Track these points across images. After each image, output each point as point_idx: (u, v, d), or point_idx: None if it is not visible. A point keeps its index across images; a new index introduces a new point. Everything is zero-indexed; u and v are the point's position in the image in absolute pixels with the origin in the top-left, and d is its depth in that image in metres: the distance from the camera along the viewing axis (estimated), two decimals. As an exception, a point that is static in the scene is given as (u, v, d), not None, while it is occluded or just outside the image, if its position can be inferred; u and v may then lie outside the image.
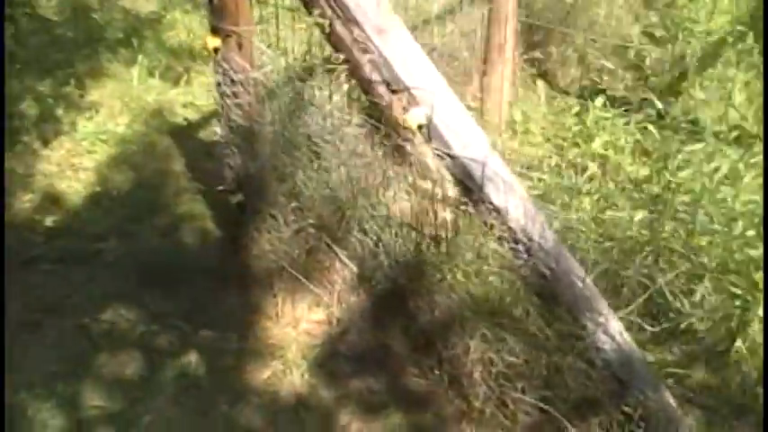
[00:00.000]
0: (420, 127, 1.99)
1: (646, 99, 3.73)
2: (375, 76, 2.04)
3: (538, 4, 3.96)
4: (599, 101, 3.58)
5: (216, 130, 2.88)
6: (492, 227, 2.02)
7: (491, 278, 2.12)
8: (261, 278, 2.75)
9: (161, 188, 3.38)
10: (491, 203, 2.01)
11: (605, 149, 3.43)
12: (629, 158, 3.37)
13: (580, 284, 2.00)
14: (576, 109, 3.72)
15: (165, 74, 4.09)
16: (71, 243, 3.10)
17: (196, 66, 4.16)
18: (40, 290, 2.89)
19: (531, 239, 1.99)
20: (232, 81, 2.45)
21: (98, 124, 3.77)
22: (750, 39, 3.66)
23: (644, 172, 3.26)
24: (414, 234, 2.29)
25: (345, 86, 2.25)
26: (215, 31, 2.44)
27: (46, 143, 3.63)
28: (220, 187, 2.81)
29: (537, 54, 4.00)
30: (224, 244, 2.98)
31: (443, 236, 2.16)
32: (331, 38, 2.18)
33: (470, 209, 2.04)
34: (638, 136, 3.46)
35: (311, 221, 2.56)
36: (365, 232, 2.45)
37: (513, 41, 3.64)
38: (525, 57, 4.01)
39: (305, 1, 2.30)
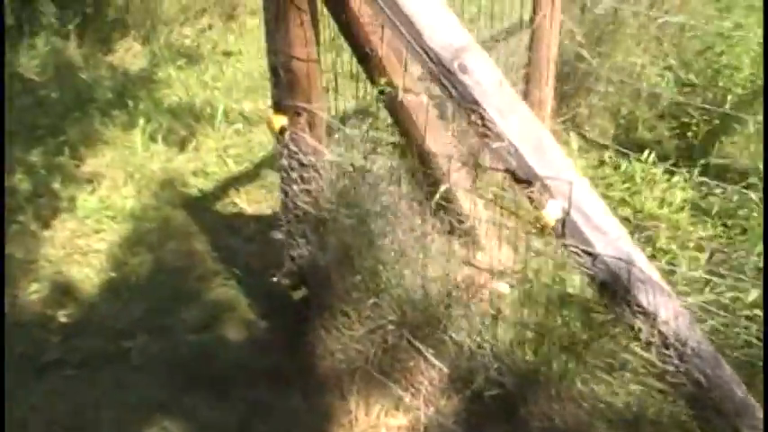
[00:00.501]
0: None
1: (685, 150, 3.58)
2: (496, 164, 1.78)
3: (567, 55, 3.77)
4: (644, 155, 3.39)
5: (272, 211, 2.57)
6: (639, 330, 1.77)
7: (632, 386, 1.87)
8: (328, 380, 2.44)
9: (186, 272, 3.03)
10: (639, 306, 1.76)
11: (660, 208, 3.24)
12: (688, 217, 3.18)
13: (740, 393, 1.77)
14: (616, 162, 3.53)
15: (168, 138, 3.75)
16: (93, 342, 2.73)
17: (200, 128, 3.82)
18: (62, 401, 2.51)
19: (684, 344, 1.75)
20: (301, 164, 2.15)
21: (101, 199, 3.40)
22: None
23: (708, 232, 3.07)
24: (529, 334, 2.03)
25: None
26: (280, 107, 2.14)
27: (45, 223, 3.24)
28: (275, 278, 2.50)
29: (571, 108, 3.80)
30: (276, 340, 2.65)
31: (575, 340, 1.90)
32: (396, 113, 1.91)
33: (613, 311, 1.79)
34: (691, 191, 3.28)
35: (392, 318, 2.27)
36: (459, 330, 2.18)
37: (551, 96, 3.43)
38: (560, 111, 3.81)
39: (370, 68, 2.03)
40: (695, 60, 3.74)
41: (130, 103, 3.90)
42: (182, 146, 3.71)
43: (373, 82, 2.32)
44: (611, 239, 1.75)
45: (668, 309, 1.76)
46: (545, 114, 3.42)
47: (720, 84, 3.54)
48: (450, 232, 2.62)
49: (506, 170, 1.78)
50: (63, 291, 2.95)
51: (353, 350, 2.38)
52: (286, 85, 2.07)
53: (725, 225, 3.16)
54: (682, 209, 3.21)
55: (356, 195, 2.14)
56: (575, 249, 1.77)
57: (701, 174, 3.29)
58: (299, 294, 2.37)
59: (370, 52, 2.23)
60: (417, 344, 2.28)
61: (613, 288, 1.75)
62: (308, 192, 2.19)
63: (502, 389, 2.12)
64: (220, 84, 4.16)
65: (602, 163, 3.61)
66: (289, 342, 2.58)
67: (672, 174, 3.32)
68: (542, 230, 1.75)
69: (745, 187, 3.16)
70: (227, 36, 4.49)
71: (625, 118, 3.78)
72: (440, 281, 2.13)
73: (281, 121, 2.12)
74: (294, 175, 2.17)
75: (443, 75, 1.76)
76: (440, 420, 2.29)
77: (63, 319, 2.84)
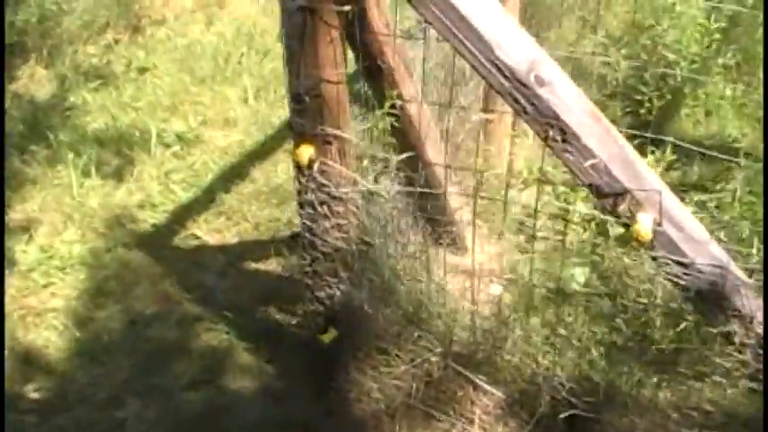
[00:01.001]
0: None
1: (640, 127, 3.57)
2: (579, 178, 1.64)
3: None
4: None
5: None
6: (734, 333, 1.70)
7: (729, 391, 1.79)
8: (366, 423, 2.24)
9: (163, 320, 2.73)
10: (734, 310, 1.68)
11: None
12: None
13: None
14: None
15: (102, 170, 3.37)
16: (78, 417, 2.40)
17: (134, 155, 3.47)
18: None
19: (781, 342, 1.70)
20: (332, 197, 1.94)
21: (42, 247, 3.01)
22: (729, 54, 3.61)
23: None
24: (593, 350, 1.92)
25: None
26: (305, 137, 1.91)
27: (-16, 284, 2.84)
28: (295, 321, 2.27)
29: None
30: (291, 387, 2.41)
31: (659, 348, 1.81)
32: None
33: (707, 318, 1.70)
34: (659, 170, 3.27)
35: (438, 350, 2.11)
36: (514, 352, 2.04)
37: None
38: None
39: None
40: (641, 37, 3.74)
41: (49, 134, 3.49)
42: (119, 177, 3.35)
43: (377, 98, 2.13)
44: (703, 246, 1.67)
45: (760, 310, 1.70)
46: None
47: (669, 59, 3.56)
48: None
49: (590, 185, 1.65)
50: (26, 361, 2.59)
51: (393, 387, 2.20)
52: (313, 112, 1.84)
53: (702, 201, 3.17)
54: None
55: (394, 225, 1.96)
56: (665, 260, 1.67)
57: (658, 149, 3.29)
58: (329, 337, 2.15)
59: (383, 64, 2.04)
60: (467, 372, 2.13)
61: (710, 295, 1.67)
62: (340, 226, 1.98)
63: (571, 407, 2.00)
64: (141, 103, 3.80)
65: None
66: (310, 387, 2.36)
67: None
68: (639, 245, 1.65)
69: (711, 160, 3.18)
70: (137, 51, 4.11)
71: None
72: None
73: (308, 152, 1.89)
74: (323, 209, 1.95)
75: (517, 89, 1.61)
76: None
77: (34, 395, 2.49)
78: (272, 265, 2.96)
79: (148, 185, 3.34)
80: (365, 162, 1.97)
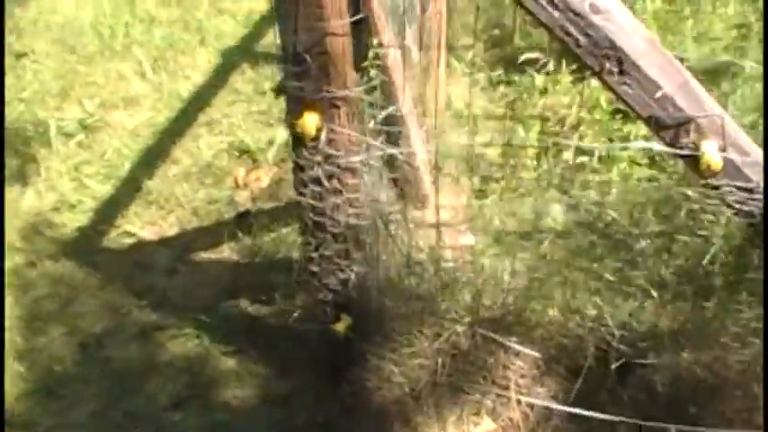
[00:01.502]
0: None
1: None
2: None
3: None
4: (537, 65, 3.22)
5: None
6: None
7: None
8: (390, 410, 2.03)
9: (118, 335, 2.37)
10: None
11: (581, 113, 3.10)
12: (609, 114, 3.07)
13: None
14: (509, 79, 3.34)
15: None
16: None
17: (35, 152, 3.03)
18: None
19: None
20: (341, 169, 1.68)
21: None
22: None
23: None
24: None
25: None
26: (306, 103, 1.62)
27: None
28: (295, 315, 2.01)
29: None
30: (298, 389, 2.16)
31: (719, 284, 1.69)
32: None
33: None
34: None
35: (467, 319, 1.92)
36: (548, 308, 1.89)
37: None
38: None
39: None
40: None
41: None
42: (23, 180, 2.92)
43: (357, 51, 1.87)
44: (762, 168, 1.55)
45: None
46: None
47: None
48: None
49: (650, 118, 1.49)
50: None
51: (416, 368, 2.00)
52: (317, 72, 1.56)
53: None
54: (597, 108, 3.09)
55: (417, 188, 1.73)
56: (729, 187, 1.54)
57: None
58: (344, 325, 1.91)
59: (366, 15, 1.78)
60: (497, 337, 1.95)
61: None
62: (351, 201, 1.73)
63: (620, 356, 1.87)
64: (27, 93, 3.33)
65: (498, 83, 3.40)
66: (318, 384, 2.11)
67: (578, 77, 3.19)
68: (708, 175, 1.50)
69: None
70: (7, 36, 3.59)
71: (498, 31, 3.59)
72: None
73: (313, 120, 1.61)
74: (332, 184, 1.69)
75: (569, 20, 1.40)
76: (542, 411, 2.00)
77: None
78: (225, 253, 2.66)
79: (59, 184, 2.92)
80: (371, 123, 1.71)
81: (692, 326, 1.75)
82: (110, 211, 2.83)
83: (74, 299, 2.50)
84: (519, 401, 2.01)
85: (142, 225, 2.78)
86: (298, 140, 1.66)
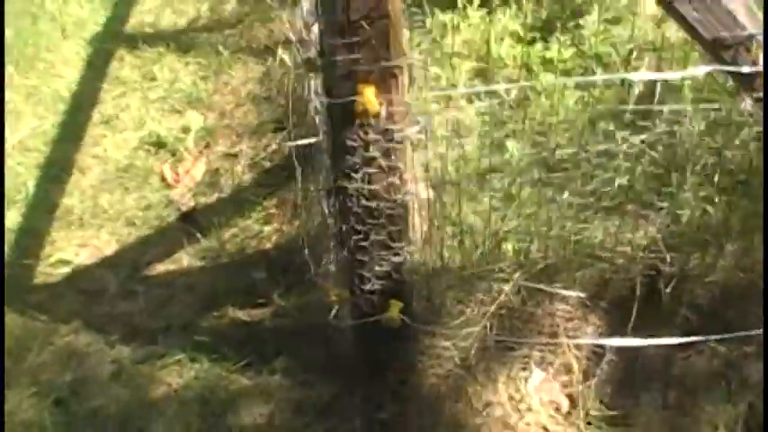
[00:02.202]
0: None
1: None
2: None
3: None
4: None
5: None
6: None
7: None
8: (442, 391, 1.90)
9: (93, 385, 2.03)
10: None
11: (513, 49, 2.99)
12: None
13: None
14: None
15: None
16: None
17: None
18: None
19: None
20: (396, 143, 1.48)
21: None
22: None
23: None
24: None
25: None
26: (361, 78, 1.39)
27: None
28: (332, 316, 1.80)
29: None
30: (345, 392, 1.93)
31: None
32: None
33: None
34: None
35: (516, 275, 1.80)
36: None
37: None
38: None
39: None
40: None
41: None
42: None
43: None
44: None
45: None
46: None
47: None
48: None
49: (714, 39, 1.42)
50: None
51: (466, 337, 1.87)
52: (376, 41, 1.35)
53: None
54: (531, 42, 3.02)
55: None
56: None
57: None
58: (396, 310, 1.73)
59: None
60: (541, 286, 1.86)
61: None
62: (404, 177, 1.54)
63: (671, 277, 1.83)
64: None
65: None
66: (355, 384, 1.92)
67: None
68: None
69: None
70: None
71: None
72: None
73: (372, 94, 1.40)
74: (390, 161, 1.49)
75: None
76: (594, 349, 1.94)
77: None
78: (184, 260, 2.37)
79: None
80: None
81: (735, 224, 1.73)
82: (30, 241, 2.46)
83: (27, 351, 2.14)
84: (569, 346, 1.94)
85: (75, 249, 2.43)
86: (346, 120, 1.45)
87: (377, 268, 1.64)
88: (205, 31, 3.33)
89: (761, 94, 1.49)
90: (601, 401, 1.84)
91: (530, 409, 1.88)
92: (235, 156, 2.68)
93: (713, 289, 1.89)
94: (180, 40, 3.26)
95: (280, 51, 2.77)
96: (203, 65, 3.11)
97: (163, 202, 2.56)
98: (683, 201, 1.78)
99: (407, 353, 1.84)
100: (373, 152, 1.46)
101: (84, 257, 2.41)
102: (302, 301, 2.05)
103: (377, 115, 1.41)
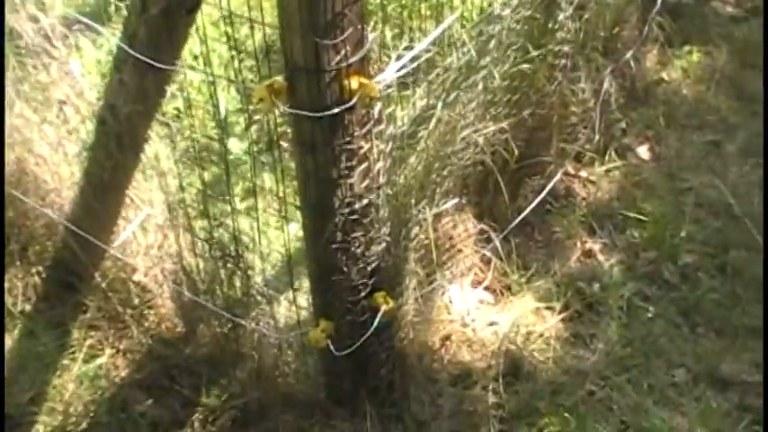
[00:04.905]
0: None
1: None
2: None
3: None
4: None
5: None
6: None
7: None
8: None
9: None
10: None
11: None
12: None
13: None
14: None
15: None
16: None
17: None
18: None
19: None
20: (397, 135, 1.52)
21: None
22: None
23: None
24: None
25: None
26: (352, 68, 1.38)
27: None
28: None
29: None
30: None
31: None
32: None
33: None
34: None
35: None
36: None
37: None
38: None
39: None
40: None
41: None
42: None
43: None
44: None
45: None
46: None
47: None
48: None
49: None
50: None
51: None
52: (358, 32, 1.35)
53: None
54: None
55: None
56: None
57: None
58: (382, 298, 1.75)
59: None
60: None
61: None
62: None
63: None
64: None
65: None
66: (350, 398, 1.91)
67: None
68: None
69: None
70: None
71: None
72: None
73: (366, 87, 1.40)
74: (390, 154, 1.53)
75: None
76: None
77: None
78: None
79: None
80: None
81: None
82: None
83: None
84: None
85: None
86: (341, 120, 1.44)
87: (370, 259, 1.67)
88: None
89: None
90: (515, 270, 2.11)
91: (467, 324, 2.04)
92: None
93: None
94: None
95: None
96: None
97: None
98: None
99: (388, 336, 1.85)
100: (374, 142, 1.48)
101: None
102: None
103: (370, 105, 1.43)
